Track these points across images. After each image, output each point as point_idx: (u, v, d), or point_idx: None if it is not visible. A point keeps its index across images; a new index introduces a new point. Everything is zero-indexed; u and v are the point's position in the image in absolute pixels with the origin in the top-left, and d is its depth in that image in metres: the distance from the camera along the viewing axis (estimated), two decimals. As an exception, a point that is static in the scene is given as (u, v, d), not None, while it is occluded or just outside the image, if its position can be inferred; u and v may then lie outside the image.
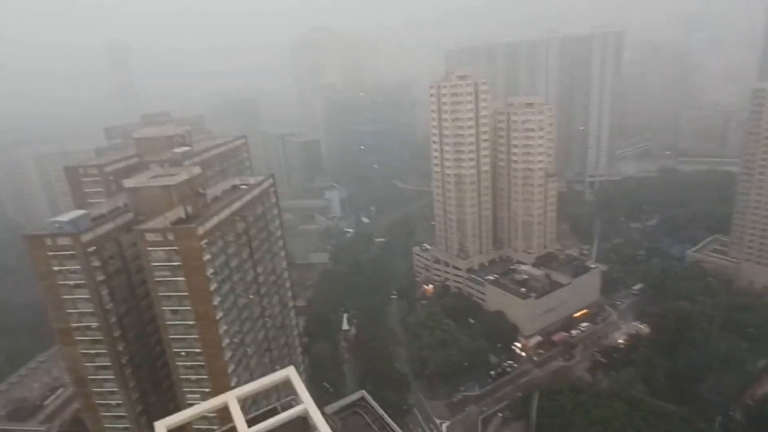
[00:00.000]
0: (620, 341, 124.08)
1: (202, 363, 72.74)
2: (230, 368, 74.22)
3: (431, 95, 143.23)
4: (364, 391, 36.11)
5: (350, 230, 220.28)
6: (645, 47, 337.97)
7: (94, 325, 73.02)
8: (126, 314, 77.67)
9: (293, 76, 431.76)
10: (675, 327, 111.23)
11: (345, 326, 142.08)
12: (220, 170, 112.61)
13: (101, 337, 73.58)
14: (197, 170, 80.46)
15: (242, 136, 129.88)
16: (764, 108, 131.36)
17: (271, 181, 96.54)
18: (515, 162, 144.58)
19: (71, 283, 71.29)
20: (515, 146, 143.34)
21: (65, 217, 70.63)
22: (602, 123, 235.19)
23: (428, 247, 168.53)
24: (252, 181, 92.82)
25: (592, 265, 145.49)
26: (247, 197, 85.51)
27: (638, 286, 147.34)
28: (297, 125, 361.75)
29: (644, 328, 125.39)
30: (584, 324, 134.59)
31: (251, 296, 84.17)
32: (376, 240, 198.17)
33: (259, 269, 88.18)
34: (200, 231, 68.54)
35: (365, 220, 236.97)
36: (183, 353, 72.78)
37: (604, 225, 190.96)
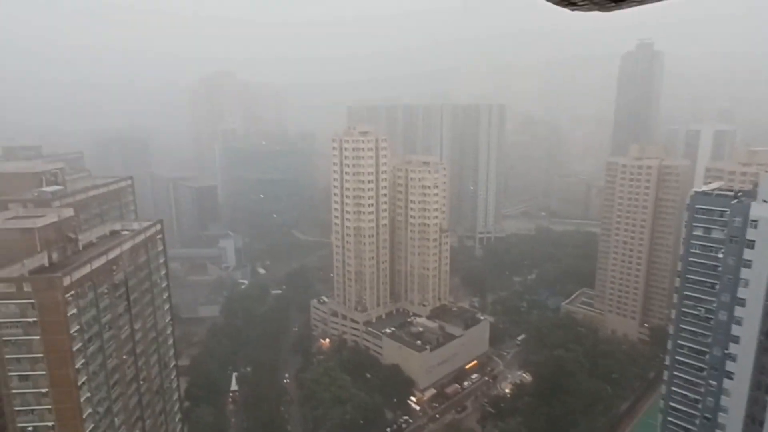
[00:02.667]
0: (507, 391, 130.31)
1: (55, 439, 61.83)
2: (91, 443, 63.93)
3: (333, 148, 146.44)
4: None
5: (245, 281, 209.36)
6: (524, 119, 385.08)
7: None
8: (-44, 383, 64.06)
9: (190, 118, 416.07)
10: (553, 374, 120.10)
11: (234, 386, 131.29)
12: (98, 213, 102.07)
13: None
14: (68, 212, 72.03)
15: (128, 177, 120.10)
16: (616, 179, 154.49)
17: (158, 227, 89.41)
18: (412, 217, 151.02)
19: None
20: (412, 202, 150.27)
21: None
22: (489, 184, 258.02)
23: (326, 299, 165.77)
24: (136, 226, 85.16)
25: (481, 318, 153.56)
26: (128, 244, 77.89)
27: (521, 337, 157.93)
28: (192, 169, 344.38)
29: (527, 377, 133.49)
30: (474, 375, 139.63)
31: (124, 356, 74.77)
32: (273, 292, 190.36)
33: (138, 325, 79.29)
34: (66, 281, 60.36)
35: (261, 270, 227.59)
36: (30, 428, 61.32)
37: (491, 279, 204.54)
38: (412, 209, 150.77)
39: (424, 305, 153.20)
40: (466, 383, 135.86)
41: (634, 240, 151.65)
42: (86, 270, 65.32)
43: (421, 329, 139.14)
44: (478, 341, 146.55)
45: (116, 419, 71.34)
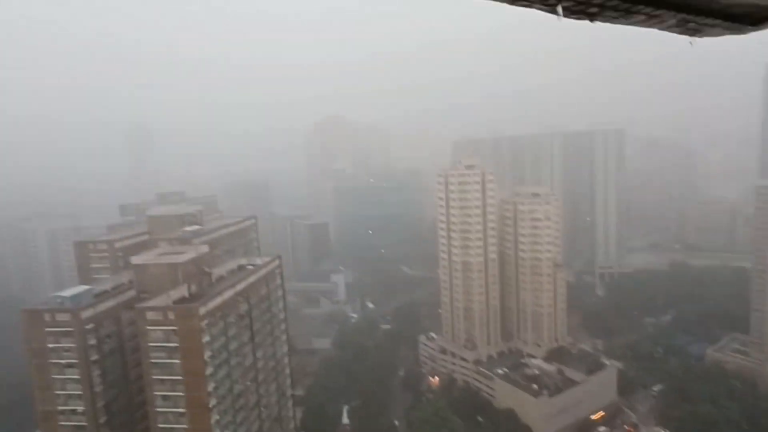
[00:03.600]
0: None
1: (189, 458, 67.28)
2: (218, 465, 68.46)
3: (439, 183, 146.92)
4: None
5: (355, 315, 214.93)
6: (647, 143, 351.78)
7: (80, 409, 68.97)
8: (116, 398, 73.59)
9: (305, 159, 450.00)
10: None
11: (345, 420, 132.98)
12: (228, 250, 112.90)
13: (86, 424, 69.07)
14: (204, 249, 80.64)
15: (252, 216, 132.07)
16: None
17: (277, 262, 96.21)
18: (523, 251, 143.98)
19: (63, 362, 68.57)
20: (522, 235, 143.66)
21: (67, 293, 69.86)
22: (609, 215, 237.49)
23: (435, 336, 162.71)
24: (259, 261, 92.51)
25: (607, 362, 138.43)
26: (252, 278, 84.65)
27: (657, 387, 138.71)
28: (306, 207, 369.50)
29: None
30: (602, 428, 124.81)
31: (248, 383, 79.96)
32: (382, 326, 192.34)
33: (259, 354, 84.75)
34: (201, 311, 66.95)
35: (370, 305, 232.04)
36: (170, 445, 67.64)
37: (616, 319, 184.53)
38: (522, 243, 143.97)
39: (538, 345, 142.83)
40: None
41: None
42: (218, 301, 71.99)
43: (536, 372, 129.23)
44: (604, 389, 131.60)
45: (240, 444, 75.78)
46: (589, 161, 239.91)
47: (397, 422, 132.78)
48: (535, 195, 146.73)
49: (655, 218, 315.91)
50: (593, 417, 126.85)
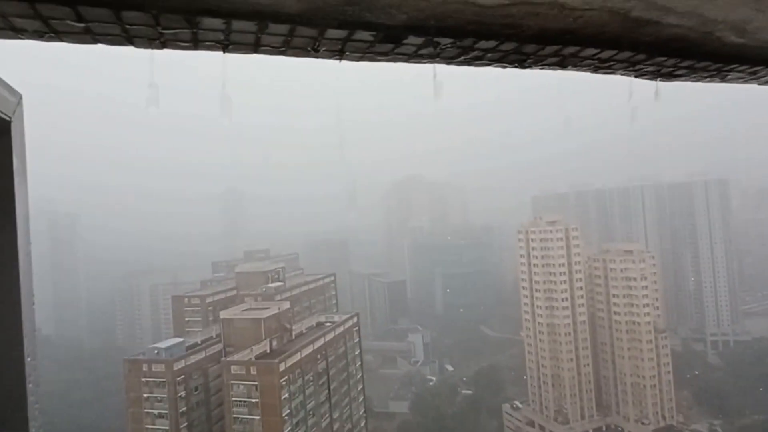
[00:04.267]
0: None
1: None
2: None
3: (519, 240, 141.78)
4: None
5: (433, 378, 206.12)
6: (758, 192, 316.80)
7: (166, 460, 71.08)
8: (198, 452, 75.13)
9: (382, 218, 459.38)
10: None
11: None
12: (307, 306, 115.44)
13: (170, 476, 70.77)
14: (286, 305, 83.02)
15: (331, 273, 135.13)
16: None
17: (355, 319, 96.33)
18: (617, 313, 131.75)
19: (155, 412, 71.87)
20: (615, 296, 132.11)
21: (163, 344, 74.43)
22: (718, 274, 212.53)
23: (520, 405, 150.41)
24: (337, 318, 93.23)
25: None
26: (330, 335, 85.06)
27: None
28: (383, 266, 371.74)
29: None
30: None
31: (324, 445, 78.22)
32: (462, 392, 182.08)
33: (335, 414, 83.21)
34: (281, 367, 67.78)
35: (449, 367, 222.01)
36: (246, 507, 66.85)
37: (736, 395, 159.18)
38: (615, 304, 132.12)
39: (643, 423, 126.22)
40: None
41: None
42: (297, 357, 72.77)
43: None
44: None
45: None
46: (688, 213, 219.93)
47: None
48: (627, 252, 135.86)
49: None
50: None
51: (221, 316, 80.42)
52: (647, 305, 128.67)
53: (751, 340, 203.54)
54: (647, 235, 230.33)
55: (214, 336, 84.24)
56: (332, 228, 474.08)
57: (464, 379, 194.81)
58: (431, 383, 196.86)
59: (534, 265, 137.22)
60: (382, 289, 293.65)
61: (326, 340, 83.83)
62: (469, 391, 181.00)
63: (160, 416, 71.38)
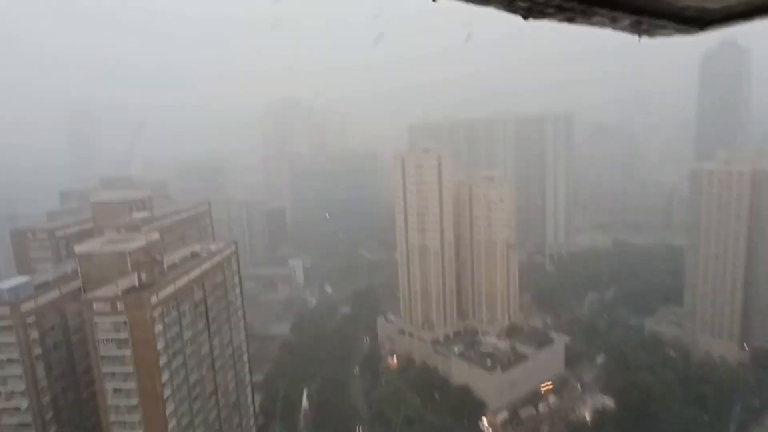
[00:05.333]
0: (587, 416, 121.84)
1: (144, 449, 65.83)
2: (175, 455, 67.44)
3: (396, 167, 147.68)
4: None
5: (313, 300, 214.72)
6: (594, 129, 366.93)
7: (23, 406, 65.75)
8: (62, 393, 70.67)
9: (259, 142, 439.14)
10: (639, 400, 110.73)
11: (305, 403, 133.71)
12: (180, 236, 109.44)
13: (30, 421, 65.99)
14: (155, 236, 77.85)
15: (205, 202, 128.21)
16: (702, 186, 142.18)
17: (233, 248, 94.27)
18: (478, 233, 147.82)
19: (3, 358, 64.89)
20: (477, 218, 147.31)
21: (4, 285, 65.73)
22: (558, 197, 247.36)
23: (393, 318, 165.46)
24: (213, 248, 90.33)
25: (555, 337, 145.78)
26: (207, 265, 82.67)
27: (601, 358, 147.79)
28: (262, 192, 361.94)
29: (609, 402, 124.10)
30: (551, 398, 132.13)
31: (204, 372, 78.66)
32: (341, 310, 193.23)
33: (216, 341, 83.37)
34: (153, 300, 64.91)
35: (329, 290, 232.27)
36: (123, 438, 65.83)
37: (564, 296, 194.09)
38: (477, 225, 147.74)
39: (493, 324, 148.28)
40: (541, 406, 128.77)
41: (728, 253, 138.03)
42: (170, 289, 69.95)
43: (490, 349, 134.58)
44: (553, 362, 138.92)
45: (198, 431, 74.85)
46: (540, 145, 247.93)
47: (357, 404, 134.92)
48: (490, 179, 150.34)
49: (600, 200, 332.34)
50: (542, 388, 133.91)
51: (77, 251, 72.70)
52: (503, 225, 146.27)
53: (579, 251, 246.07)
54: (506, 161, 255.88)
55: (70, 272, 76.50)
56: (204, 153, 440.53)
57: (343, 299, 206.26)
58: (312, 305, 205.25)
59: (409, 191, 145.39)
60: (261, 217, 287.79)
61: (203, 270, 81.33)
62: (347, 310, 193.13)
63: (10, 362, 64.76)
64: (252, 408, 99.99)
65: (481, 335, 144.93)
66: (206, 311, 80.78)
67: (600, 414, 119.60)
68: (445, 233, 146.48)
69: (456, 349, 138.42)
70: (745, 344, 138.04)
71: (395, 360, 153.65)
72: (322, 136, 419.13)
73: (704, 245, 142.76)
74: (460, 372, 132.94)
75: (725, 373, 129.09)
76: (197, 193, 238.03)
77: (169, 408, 66.59)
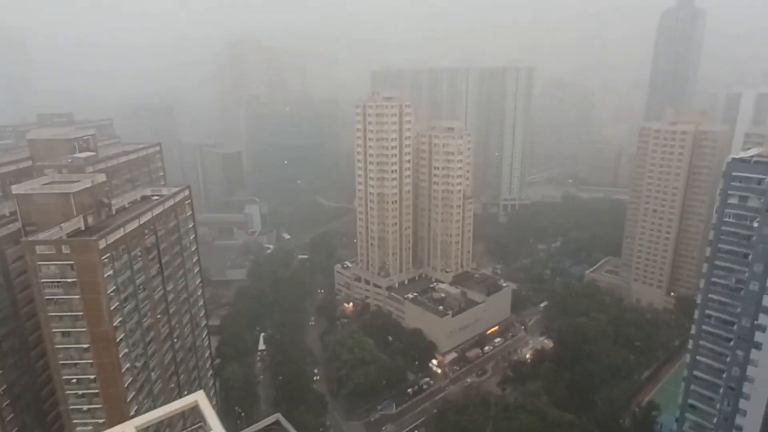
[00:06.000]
0: (528, 356, 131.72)
1: (97, 391, 66.07)
2: (130, 395, 68.21)
3: (357, 114, 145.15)
4: (279, 414, 34.99)
5: (270, 246, 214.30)
6: (553, 82, 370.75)
7: (-36, 350, 63.77)
8: (6, 337, 68.80)
9: (216, 84, 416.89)
10: (575, 342, 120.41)
11: (261, 346, 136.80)
12: (128, 179, 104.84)
13: (-28, 365, 64.35)
14: (101, 178, 74.18)
15: (156, 143, 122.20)
16: (648, 144, 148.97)
17: (186, 192, 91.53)
18: (436, 183, 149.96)
19: (-63, 301, 61.93)
20: (436, 168, 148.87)
21: (-66, 226, 61.53)
22: (515, 150, 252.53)
23: (350, 264, 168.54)
24: (165, 191, 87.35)
25: (504, 284, 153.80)
26: (159, 209, 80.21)
27: (544, 304, 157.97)
28: (217, 135, 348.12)
29: (549, 343, 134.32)
30: (497, 340, 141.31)
31: (158, 316, 78.40)
32: (298, 256, 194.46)
33: (170, 286, 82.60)
34: (101, 244, 62.95)
35: (286, 236, 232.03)
36: (74, 380, 65.64)
37: (515, 246, 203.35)
38: (435, 176, 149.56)
39: (446, 271, 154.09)
40: (487, 348, 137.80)
41: (665, 208, 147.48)
42: (120, 233, 67.84)
43: (443, 295, 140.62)
44: (501, 307, 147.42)
45: (152, 374, 75.58)
46: (500, 97, 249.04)
47: (312, 345, 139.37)
48: (450, 129, 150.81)
49: (554, 154, 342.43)
50: (489, 332, 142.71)
51: (14, 191, 68.39)
52: (461, 176, 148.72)
53: (530, 203, 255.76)
54: (467, 112, 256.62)
55: (8, 215, 72.40)
56: (153, 90, 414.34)
57: (301, 246, 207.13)
58: (269, 251, 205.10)
59: (369, 139, 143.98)
60: (216, 160, 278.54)
61: (154, 214, 78.90)
62: (305, 256, 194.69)
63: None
64: (209, 350, 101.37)
65: (435, 282, 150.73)
66: (159, 256, 79.25)
67: (539, 353, 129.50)
68: (403, 182, 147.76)
69: (410, 295, 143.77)
70: (672, 292, 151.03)
71: (351, 305, 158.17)
72: (282, 79, 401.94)
73: (644, 200, 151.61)
74: (413, 317, 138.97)
75: (652, 317, 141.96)
76: (146, 135, 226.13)
77: (122, 350, 66.45)
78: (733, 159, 68.22)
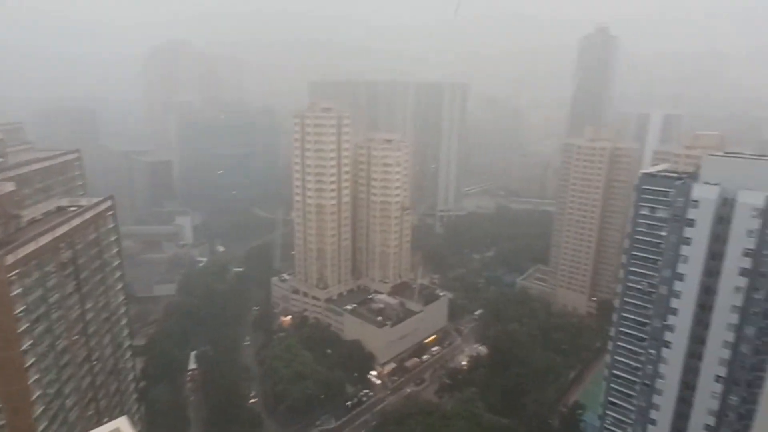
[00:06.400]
0: (463, 363, 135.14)
1: (2, 422, 59.42)
2: (41, 426, 61.98)
3: (295, 124, 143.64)
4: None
5: (203, 259, 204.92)
6: (487, 100, 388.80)
7: None
8: None
9: (144, 89, 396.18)
10: (507, 347, 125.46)
11: (192, 365, 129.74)
12: (42, 188, 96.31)
13: None
14: (10, 187, 67.64)
15: (75, 150, 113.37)
16: (571, 159, 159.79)
17: (109, 203, 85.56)
18: (374, 195, 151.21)
19: None
20: (374, 179, 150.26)
21: None
22: (451, 162, 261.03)
23: (287, 277, 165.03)
24: (84, 202, 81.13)
25: (441, 294, 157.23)
26: (76, 221, 74.24)
27: (478, 312, 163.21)
28: (146, 143, 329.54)
29: (484, 350, 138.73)
30: (434, 349, 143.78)
31: (75, 337, 72.17)
32: (233, 270, 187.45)
33: (88, 305, 76.41)
34: (9, 260, 57.22)
35: (220, 248, 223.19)
36: (-26, 412, 58.64)
37: (451, 256, 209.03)
38: (374, 187, 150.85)
39: (385, 282, 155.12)
40: (425, 357, 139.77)
41: (586, 219, 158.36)
42: (31, 248, 62.03)
43: (381, 305, 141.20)
44: (438, 316, 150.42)
45: (68, 401, 69.25)
46: (437, 111, 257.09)
47: (248, 361, 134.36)
48: (388, 141, 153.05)
49: (487, 167, 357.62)
50: (427, 341, 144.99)
51: None
52: (398, 187, 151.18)
53: (466, 214, 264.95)
54: (405, 125, 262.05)
55: None
56: (74, 96, 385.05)
57: (236, 258, 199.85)
58: (201, 264, 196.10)
59: (307, 149, 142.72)
60: (144, 169, 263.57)
61: (71, 226, 72.88)
62: (240, 269, 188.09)
63: None
64: (133, 373, 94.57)
65: (373, 293, 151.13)
66: (76, 272, 73.16)
67: (474, 360, 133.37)
68: (342, 193, 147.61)
69: (348, 307, 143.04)
70: (594, 297, 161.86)
71: (288, 318, 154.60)
72: (215, 87, 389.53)
73: (568, 211, 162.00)
74: (352, 328, 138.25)
75: (576, 321, 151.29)
76: (64, 141, 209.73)
77: (33, 377, 60.37)
78: (644, 174, 74.81)
